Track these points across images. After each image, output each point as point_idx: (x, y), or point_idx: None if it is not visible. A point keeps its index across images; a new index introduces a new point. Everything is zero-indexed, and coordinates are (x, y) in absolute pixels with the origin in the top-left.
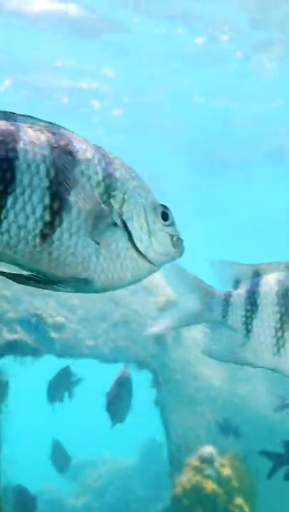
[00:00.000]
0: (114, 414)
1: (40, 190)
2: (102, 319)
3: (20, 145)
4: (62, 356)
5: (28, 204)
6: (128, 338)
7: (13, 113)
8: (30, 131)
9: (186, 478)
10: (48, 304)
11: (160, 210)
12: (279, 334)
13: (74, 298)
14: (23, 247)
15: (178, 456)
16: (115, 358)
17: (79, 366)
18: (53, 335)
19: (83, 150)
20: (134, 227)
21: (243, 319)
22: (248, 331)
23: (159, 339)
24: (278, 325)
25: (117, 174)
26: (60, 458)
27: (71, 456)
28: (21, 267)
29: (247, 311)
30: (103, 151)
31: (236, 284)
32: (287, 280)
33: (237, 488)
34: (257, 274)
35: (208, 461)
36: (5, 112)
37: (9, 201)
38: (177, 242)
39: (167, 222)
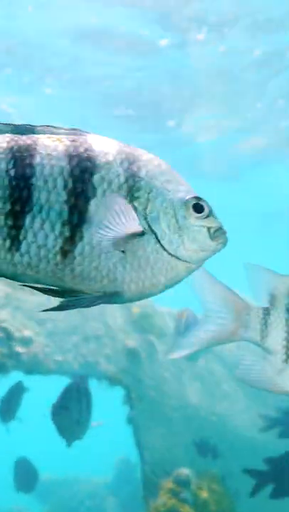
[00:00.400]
0: (64, 429)
1: (58, 205)
2: (71, 333)
3: (37, 160)
4: (30, 373)
5: (47, 222)
6: (99, 353)
7: (31, 125)
8: (47, 143)
9: (161, 502)
10: (15, 317)
11: (192, 202)
12: None
13: None
14: (45, 266)
15: (152, 479)
16: (85, 374)
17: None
18: (20, 350)
19: (104, 153)
20: (160, 227)
21: (284, 342)
22: None
23: (132, 354)
24: None
25: (142, 173)
26: (26, 476)
27: (39, 474)
28: (45, 284)
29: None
30: (127, 149)
31: (271, 297)
32: None
33: None
34: None
35: (184, 483)
36: (24, 126)
37: (27, 221)
38: (216, 234)
39: (202, 215)
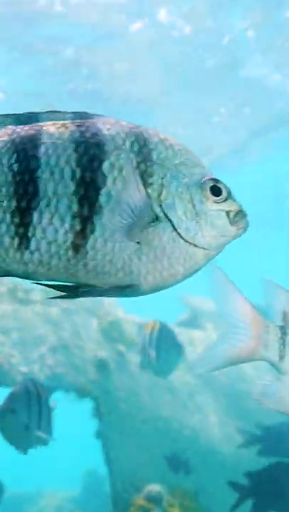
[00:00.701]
0: (10, 433)
1: (66, 198)
2: (38, 343)
3: (42, 151)
4: None
5: (56, 216)
6: (67, 364)
7: (34, 113)
8: (52, 130)
9: None
10: None
11: (209, 185)
12: None
13: (9, 319)
14: (57, 262)
15: (122, 496)
16: (52, 386)
17: None
18: None
19: (112, 137)
20: (176, 214)
21: None
22: None
23: (101, 364)
24: None
25: (154, 156)
26: None
27: (5, 489)
28: (59, 281)
29: None
30: (137, 130)
31: (285, 316)
32: None
33: None
34: None
35: (155, 500)
36: (26, 115)
37: (35, 217)
38: (236, 218)
39: (220, 198)
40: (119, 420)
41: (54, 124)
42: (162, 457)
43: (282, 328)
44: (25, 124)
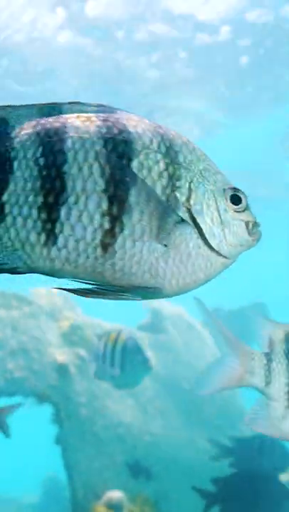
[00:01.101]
0: None
1: (96, 195)
2: None
3: (68, 145)
4: None
5: (84, 213)
6: (27, 369)
7: (57, 104)
8: (77, 124)
9: None
10: None
11: (230, 193)
12: None
13: None
14: (84, 261)
15: (82, 502)
16: (11, 391)
17: None
18: None
19: (140, 135)
20: (204, 221)
21: (286, 389)
22: None
23: (61, 369)
24: None
25: (181, 158)
26: None
27: None
28: (84, 280)
29: None
30: (162, 130)
31: (270, 343)
32: None
33: None
34: None
35: (116, 507)
36: (49, 105)
37: (63, 213)
38: (253, 229)
39: (240, 208)
40: (80, 426)
41: (78, 116)
42: (123, 463)
43: (267, 354)
44: (48, 115)
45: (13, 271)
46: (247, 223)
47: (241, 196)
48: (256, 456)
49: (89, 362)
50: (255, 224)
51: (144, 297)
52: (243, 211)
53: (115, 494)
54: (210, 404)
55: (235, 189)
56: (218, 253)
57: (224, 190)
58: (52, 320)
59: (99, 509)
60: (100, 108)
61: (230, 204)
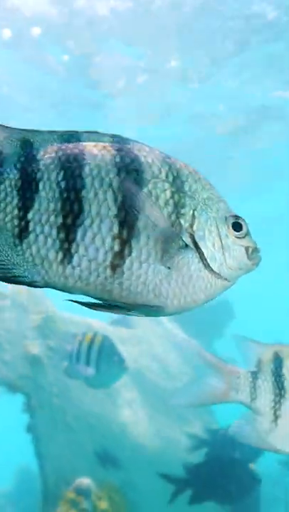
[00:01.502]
0: None
1: (108, 220)
2: None
3: (86, 171)
4: None
5: (98, 235)
6: None
7: (76, 132)
8: (95, 152)
9: None
10: None
11: (231, 221)
12: None
13: None
14: (95, 279)
15: (53, 490)
16: None
17: None
18: None
19: (150, 165)
20: (206, 246)
21: (272, 404)
22: (277, 417)
23: (34, 360)
24: None
25: (186, 187)
26: None
27: None
28: (94, 296)
29: (276, 395)
30: (170, 160)
31: (258, 363)
32: None
33: None
34: (277, 357)
35: (84, 493)
36: (69, 133)
37: (79, 234)
38: (253, 254)
39: (240, 234)
40: (51, 415)
41: (96, 145)
42: (92, 452)
43: (253, 373)
44: (68, 141)
45: (32, 284)
46: (247, 248)
47: (242, 223)
48: (229, 447)
49: (62, 360)
50: (255, 249)
51: (147, 315)
52: (244, 237)
53: (84, 481)
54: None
55: (236, 217)
56: (218, 275)
57: (226, 217)
58: (25, 312)
59: (68, 495)
60: (115, 138)
61: (232, 230)
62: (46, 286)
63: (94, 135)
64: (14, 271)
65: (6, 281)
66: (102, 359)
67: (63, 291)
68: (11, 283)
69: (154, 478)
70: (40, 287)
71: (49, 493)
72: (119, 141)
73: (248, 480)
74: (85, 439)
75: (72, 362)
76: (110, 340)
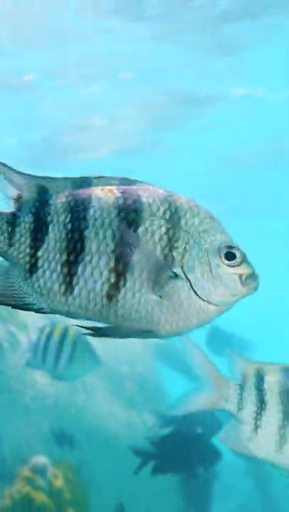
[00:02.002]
0: None
1: (106, 255)
2: None
3: (91, 213)
4: None
5: (96, 269)
6: None
7: (87, 178)
8: (101, 195)
9: (15, 490)
10: None
11: (224, 251)
12: (282, 432)
13: None
14: (93, 307)
15: (10, 468)
16: None
17: None
18: None
19: (149, 205)
20: (195, 276)
21: (254, 415)
22: (257, 427)
23: None
24: (281, 423)
25: (182, 222)
26: None
27: None
28: (94, 320)
29: (257, 407)
30: (171, 198)
31: (243, 378)
32: (286, 381)
33: (69, 501)
34: (260, 373)
35: (40, 471)
36: (81, 179)
37: (80, 269)
38: (247, 280)
39: (233, 263)
40: (10, 398)
41: (103, 189)
42: (49, 433)
43: (241, 386)
44: (80, 187)
45: (39, 311)
46: (240, 276)
47: (235, 253)
48: (192, 424)
49: (24, 349)
50: (250, 275)
51: (143, 338)
52: (238, 265)
53: (40, 460)
54: (131, 382)
55: (230, 247)
56: (208, 302)
57: (219, 248)
58: None
59: (24, 473)
60: (123, 181)
61: (224, 260)
62: (52, 313)
63: (103, 179)
64: (25, 299)
65: (17, 308)
66: (75, 353)
67: (67, 316)
68: (21, 309)
69: (108, 458)
70: (47, 313)
71: (6, 471)
72: (126, 183)
73: (210, 454)
74: (43, 421)
75: (37, 353)
76: (82, 335)
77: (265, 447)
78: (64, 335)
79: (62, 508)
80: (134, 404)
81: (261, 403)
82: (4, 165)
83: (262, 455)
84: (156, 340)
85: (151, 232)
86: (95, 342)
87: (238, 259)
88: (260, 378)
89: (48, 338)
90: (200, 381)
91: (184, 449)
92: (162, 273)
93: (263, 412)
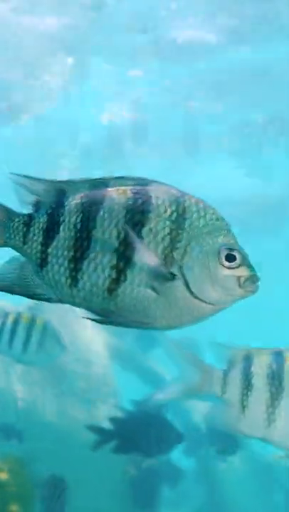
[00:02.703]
0: None
1: (109, 253)
2: None
3: (100, 214)
4: None
5: (99, 266)
6: None
7: (104, 179)
8: (114, 196)
9: None
10: None
11: (225, 253)
12: (270, 411)
13: None
14: (95, 299)
15: None
16: None
17: None
18: None
19: (158, 206)
20: (192, 276)
21: (239, 397)
22: (244, 407)
23: None
24: (269, 403)
25: (187, 224)
26: None
27: None
28: (95, 312)
29: (243, 389)
30: (181, 198)
31: (230, 363)
32: (274, 364)
33: (14, 494)
34: (248, 357)
35: None
36: (98, 181)
37: (84, 265)
38: (246, 282)
39: (232, 265)
40: None
41: (117, 190)
42: None
43: (225, 371)
44: (97, 187)
45: (48, 300)
46: (239, 278)
47: (236, 254)
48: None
49: None
50: (249, 278)
51: (140, 328)
52: (237, 267)
53: None
54: (83, 380)
55: (231, 249)
56: (204, 301)
57: (220, 250)
58: None
59: None
60: (139, 181)
61: (224, 261)
62: (59, 302)
63: (120, 180)
64: (36, 290)
65: (29, 297)
66: (44, 338)
67: (73, 305)
68: (33, 299)
69: (57, 453)
70: (55, 302)
71: None
72: (141, 183)
73: (171, 436)
74: None
75: (2, 338)
76: (50, 324)
77: (254, 425)
78: (32, 320)
79: (6, 502)
80: (86, 402)
81: (248, 385)
82: (25, 176)
83: (251, 433)
84: (113, 341)
85: (155, 233)
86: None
87: (238, 261)
88: (246, 362)
89: (16, 323)
90: (184, 372)
91: (144, 430)
92: (160, 272)
93: (249, 394)
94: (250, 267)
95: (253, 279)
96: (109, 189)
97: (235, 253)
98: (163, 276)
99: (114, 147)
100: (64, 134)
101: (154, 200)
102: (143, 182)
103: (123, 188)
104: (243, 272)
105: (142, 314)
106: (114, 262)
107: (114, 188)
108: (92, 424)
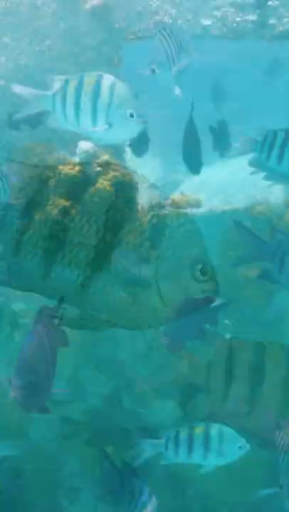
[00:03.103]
0: None
1: (86, 249)
2: None
3: (80, 206)
4: None
5: (74, 260)
6: None
7: (89, 164)
8: (98, 185)
9: None
10: None
11: (199, 267)
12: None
13: None
14: (67, 293)
15: None
16: None
17: None
18: None
19: (140, 208)
20: (165, 283)
21: (223, 385)
22: (226, 396)
23: None
24: (249, 392)
25: (166, 232)
26: None
27: None
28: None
29: (226, 378)
30: (164, 203)
31: (216, 352)
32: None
33: None
34: (230, 347)
35: None
36: (82, 164)
37: (59, 257)
38: (208, 293)
39: (202, 279)
40: None
41: (103, 177)
42: None
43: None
44: (82, 175)
45: (17, 288)
46: (204, 291)
47: (207, 270)
48: None
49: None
50: (213, 291)
51: (109, 328)
52: (205, 282)
53: None
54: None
55: (203, 263)
56: (170, 308)
57: (192, 263)
58: None
59: None
60: (123, 170)
61: (197, 274)
62: (30, 292)
63: (106, 166)
64: (5, 277)
65: (3, 285)
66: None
67: (42, 296)
68: (4, 285)
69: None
70: (29, 291)
71: None
72: (126, 172)
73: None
74: None
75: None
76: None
77: (235, 414)
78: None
79: None
80: (55, 402)
81: (229, 373)
82: (13, 161)
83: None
84: (81, 341)
85: (134, 235)
86: None
87: (208, 275)
88: (229, 351)
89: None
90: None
91: (116, 424)
92: (133, 276)
93: (231, 383)
94: (215, 282)
95: (215, 291)
96: (91, 176)
97: (207, 268)
98: (136, 280)
99: None
100: None
101: (136, 201)
102: (127, 170)
103: (107, 176)
104: (210, 286)
105: (113, 313)
106: (91, 258)
107: (101, 175)
108: (66, 416)
